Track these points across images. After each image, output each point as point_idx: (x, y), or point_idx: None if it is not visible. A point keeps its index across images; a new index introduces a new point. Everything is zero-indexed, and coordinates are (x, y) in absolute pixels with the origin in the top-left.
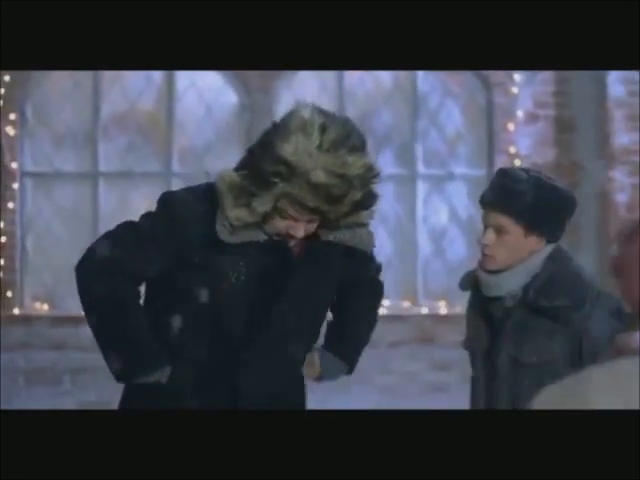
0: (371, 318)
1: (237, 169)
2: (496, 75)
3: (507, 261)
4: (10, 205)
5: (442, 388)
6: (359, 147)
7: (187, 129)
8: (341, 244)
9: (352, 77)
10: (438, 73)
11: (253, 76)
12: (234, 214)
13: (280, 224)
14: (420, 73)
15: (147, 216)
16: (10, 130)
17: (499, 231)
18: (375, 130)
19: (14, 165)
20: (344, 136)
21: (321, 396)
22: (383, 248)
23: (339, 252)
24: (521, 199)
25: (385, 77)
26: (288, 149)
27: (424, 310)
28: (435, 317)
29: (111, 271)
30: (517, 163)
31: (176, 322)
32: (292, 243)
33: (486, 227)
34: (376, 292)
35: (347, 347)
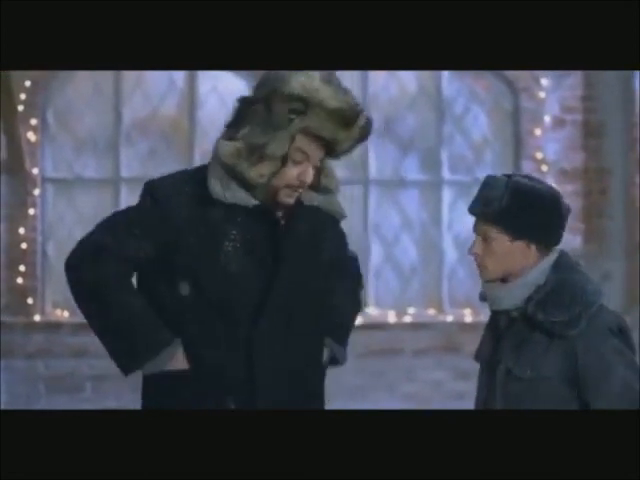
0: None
1: (231, 138)
2: (523, 80)
3: (498, 270)
4: (31, 211)
5: (467, 397)
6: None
7: (209, 134)
8: (321, 208)
9: (376, 81)
10: (464, 77)
11: None
12: (254, 173)
13: (292, 172)
14: (445, 78)
15: (134, 206)
16: (31, 136)
17: (485, 239)
18: (400, 135)
19: (35, 171)
20: (329, 75)
21: (343, 404)
22: (408, 255)
23: (321, 217)
24: (496, 204)
25: (410, 81)
26: (297, 86)
27: (449, 318)
28: (460, 325)
29: (102, 257)
30: (544, 169)
31: (183, 303)
32: (293, 200)
33: (475, 236)
34: (355, 272)
35: (343, 333)
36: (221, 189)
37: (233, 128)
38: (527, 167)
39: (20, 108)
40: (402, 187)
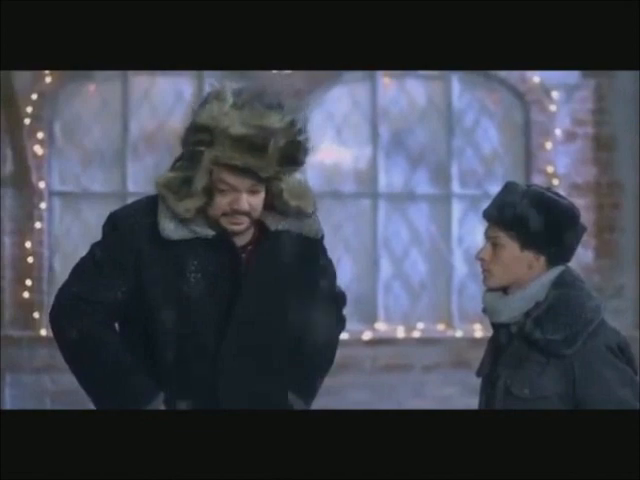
0: (328, 344)
1: (172, 167)
2: (533, 93)
3: (503, 278)
4: (37, 225)
5: None
6: (275, 105)
7: None
8: (291, 231)
9: (386, 95)
10: (474, 91)
11: (285, 94)
12: (181, 208)
13: (222, 201)
14: (455, 91)
15: (97, 242)
16: (38, 149)
17: (495, 244)
18: (409, 149)
19: (42, 184)
20: (258, 95)
21: None
22: (417, 270)
23: (291, 241)
24: (512, 209)
25: (420, 95)
26: (204, 115)
27: (459, 333)
28: (470, 340)
29: (79, 310)
30: (555, 182)
31: (151, 336)
32: (241, 227)
33: (485, 240)
34: (333, 311)
35: (301, 381)
36: (173, 231)
37: (177, 157)
38: (538, 181)
39: (27, 121)
40: (411, 201)
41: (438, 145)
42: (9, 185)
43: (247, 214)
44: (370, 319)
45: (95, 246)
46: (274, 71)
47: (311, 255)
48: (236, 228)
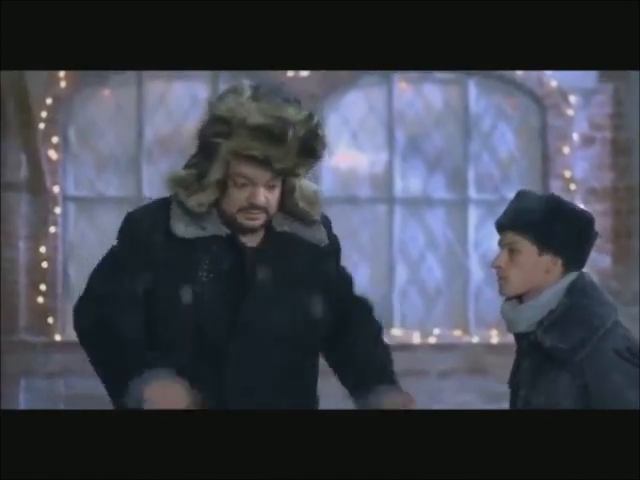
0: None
1: (187, 164)
2: (551, 97)
3: (522, 284)
4: (52, 230)
5: None
6: (293, 100)
7: None
8: (295, 235)
9: (402, 98)
10: (491, 95)
11: (300, 98)
12: (193, 202)
13: (239, 196)
14: (472, 95)
15: (115, 244)
16: (52, 154)
17: (512, 251)
18: (425, 153)
19: (56, 189)
20: (275, 89)
21: None
22: (433, 275)
23: (299, 245)
24: (529, 214)
25: (436, 98)
26: (222, 107)
27: (475, 339)
28: (487, 346)
29: (97, 300)
30: (572, 187)
31: (162, 333)
32: (257, 223)
33: (500, 249)
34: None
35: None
36: (183, 228)
37: (193, 154)
38: (555, 185)
39: (41, 126)
40: (428, 206)
41: (455, 149)
42: (24, 190)
43: (264, 209)
44: (386, 325)
45: (113, 247)
46: (289, 73)
47: (322, 261)
48: (251, 223)
